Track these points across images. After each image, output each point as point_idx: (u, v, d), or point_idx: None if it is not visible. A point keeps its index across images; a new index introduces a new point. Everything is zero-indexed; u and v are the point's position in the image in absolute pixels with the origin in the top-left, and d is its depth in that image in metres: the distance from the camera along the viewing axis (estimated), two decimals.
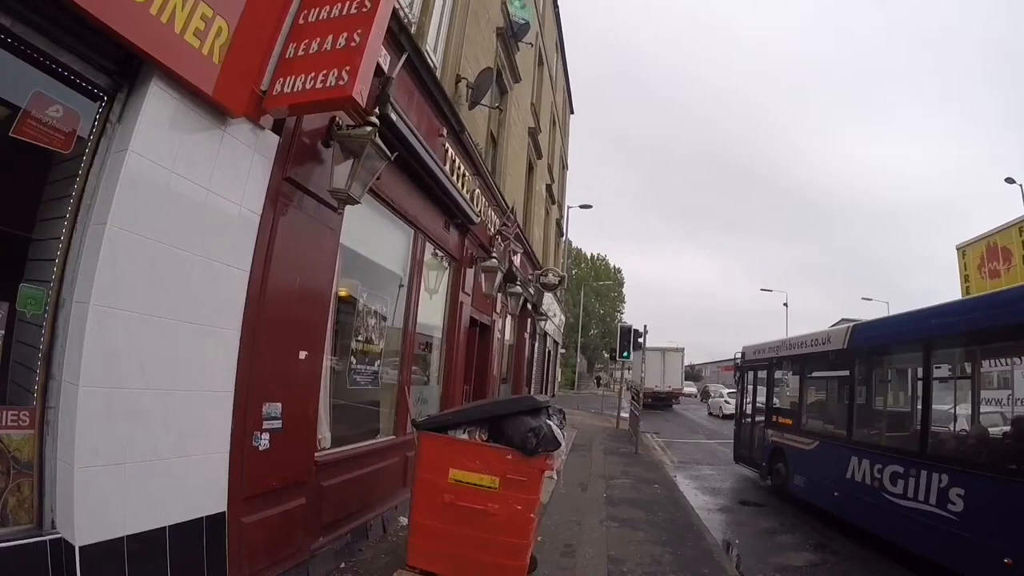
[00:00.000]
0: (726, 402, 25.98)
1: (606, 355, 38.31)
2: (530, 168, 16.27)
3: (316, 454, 4.68)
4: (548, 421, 4.19)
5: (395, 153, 4.61)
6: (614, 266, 75.60)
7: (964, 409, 6.14)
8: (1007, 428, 5.52)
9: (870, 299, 44.58)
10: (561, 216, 25.42)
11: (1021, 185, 22.95)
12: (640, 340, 18.57)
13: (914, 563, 6.10)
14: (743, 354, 11.67)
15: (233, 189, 3.70)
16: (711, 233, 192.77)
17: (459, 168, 7.77)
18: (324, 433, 4.94)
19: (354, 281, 5.53)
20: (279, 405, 4.07)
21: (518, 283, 10.53)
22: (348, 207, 4.98)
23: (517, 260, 12.16)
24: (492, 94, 10.07)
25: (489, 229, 9.77)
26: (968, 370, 6.17)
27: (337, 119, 4.61)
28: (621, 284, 74.81)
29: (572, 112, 29.54)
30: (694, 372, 63.82)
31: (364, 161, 4.24)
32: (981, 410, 5.95)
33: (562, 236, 26.07)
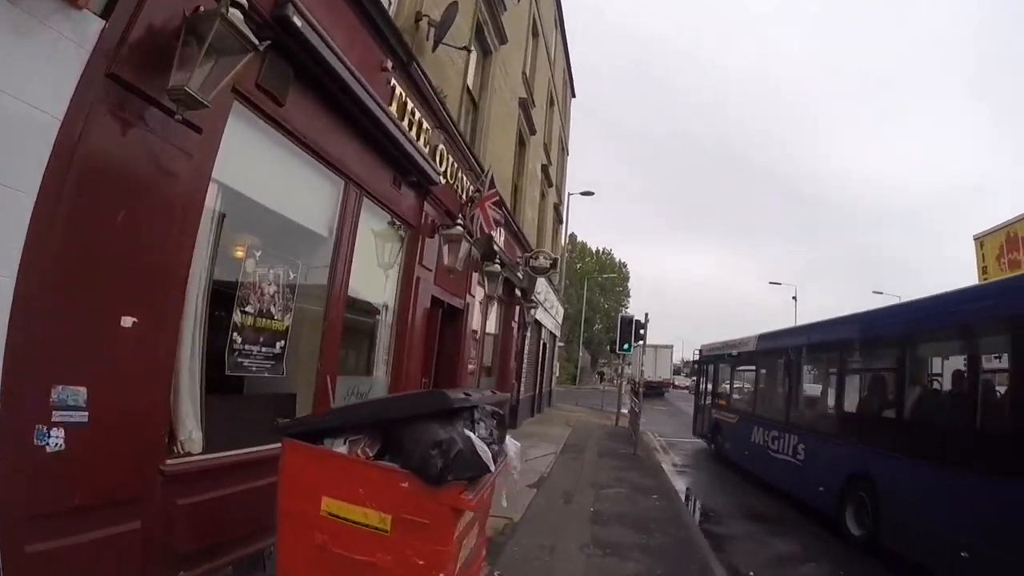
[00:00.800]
0: None
1: (609, 349, 36.94)
2: (521, 142, 14.96)
3: (167, 461, 3.41)
4: (469, 432, 2.88)
5: (265, 42, 3.32)
6: (620, 260, 74.26)
7: (805, 392, 9.34)
8: (825, 405, 8.58)
9: (881, 293, 42.82)
10: (560, 202, 24.10)
11: None
12: (642, 332, 17.25)
13: None
14: (700, 351, 14.78)
15: (17, 80, 2.47)
16: (721, 230, 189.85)
17: (413, 114, 6.48)
18: (189, 434, 3.66)
19: (244, 235, 4.26)
20: (82, 390, 2.80)
21: (497, 261, 9.22)
22: (231, 135, 3.79)
23: (500, 238, 10.87)
24: (469, 42, 8.76)
25: (460, 196, 8.50)
26: (808, 368, 9.44)
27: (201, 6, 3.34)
28: (626, 279, 73.40)
29: (574, 96, 28.18)
30: None
31: (213, 46, 2.98)
32: (811, 393, 9.21)
33: (561, 223, 24.73)
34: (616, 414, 19.36)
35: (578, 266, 67.28)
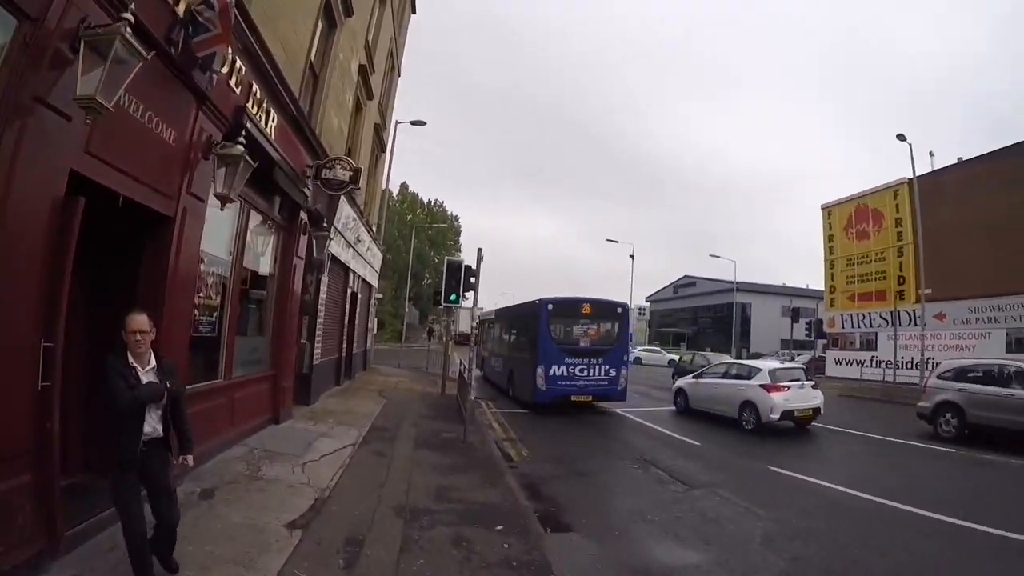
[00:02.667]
0: None
1: (433, 303, 34.14)
2: (330, 19, 10.86)
3: None
4: None
5: None
6: (452, 213, 71.40)
7: (502, 338, 18.65)
8: (506, 343, 17.72)
9: (718, 256, 45.89)
10: (385, 127, 20.03)
11: (910, 144, 21.64)
12: (472, 280, 14.06)
13: None
14: (478, 317, 20.71)
15: None
16: (560, 195, 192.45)
17: None
18: None
19: None
20: None
21: (242, 140, 5.33)
22: None
23: (268, 123, 6.91)
24: None
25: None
26: (501, 327, 19.11)
27: None
28: (458, 233, 70.68)
29: (414, 11, 23.86)
30: None
31: None
32: (503, 338, 18.37)
33: (384, 152, 20.72)
34: (442, 378, 16.28)
35: (408, 217, 63.10)
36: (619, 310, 14.48)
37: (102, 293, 4.83)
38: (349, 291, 14.59)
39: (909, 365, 23.12)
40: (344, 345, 14.46)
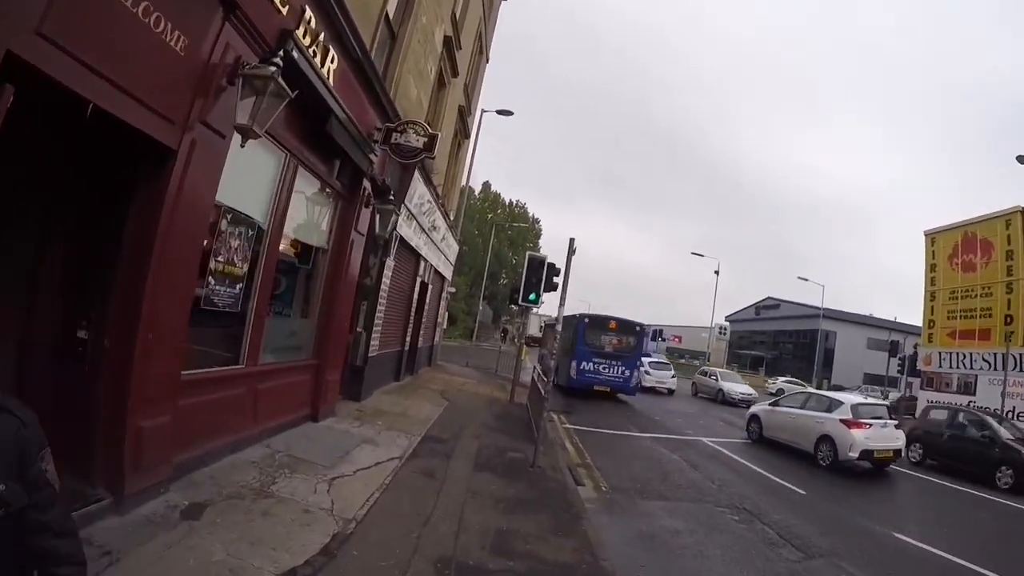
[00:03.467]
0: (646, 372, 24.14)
1: (508, 302, 33.25)
2: None
3: None
4: None
5: None
6: (533, 215, 70.28)
7: (563, 341, 17.23)
8: (566, 347, 18.27)
9: (806, 279, 42.71)
10: (469, 112, 18.95)
11: None
12: (556, 280, 12.68)
13: None
14: (546, 322, 22.43)
15: None
16: (643, 206, 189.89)
17: None
18: None
19: None
20: None
21: (277, 62, 4.12)
22: None
23: (327, 64, 5.74)
24: None
25: None
26: (571, 332, 18.81)
27: None
28: (538, 235, 69.39)
29: None
30: None
31: None
32: (563, 343, 17.40)
33: (468, 138, 19.64)
34: (512, 384, 14.93)
35: (489, 216, 62.46)
36: (637, 328, 19.53)
37: (83, 241, 3.73)
38: (419, 280, 13.43)
39: (1011, 415, 19.71)
40: (408, 338, 13.32)
